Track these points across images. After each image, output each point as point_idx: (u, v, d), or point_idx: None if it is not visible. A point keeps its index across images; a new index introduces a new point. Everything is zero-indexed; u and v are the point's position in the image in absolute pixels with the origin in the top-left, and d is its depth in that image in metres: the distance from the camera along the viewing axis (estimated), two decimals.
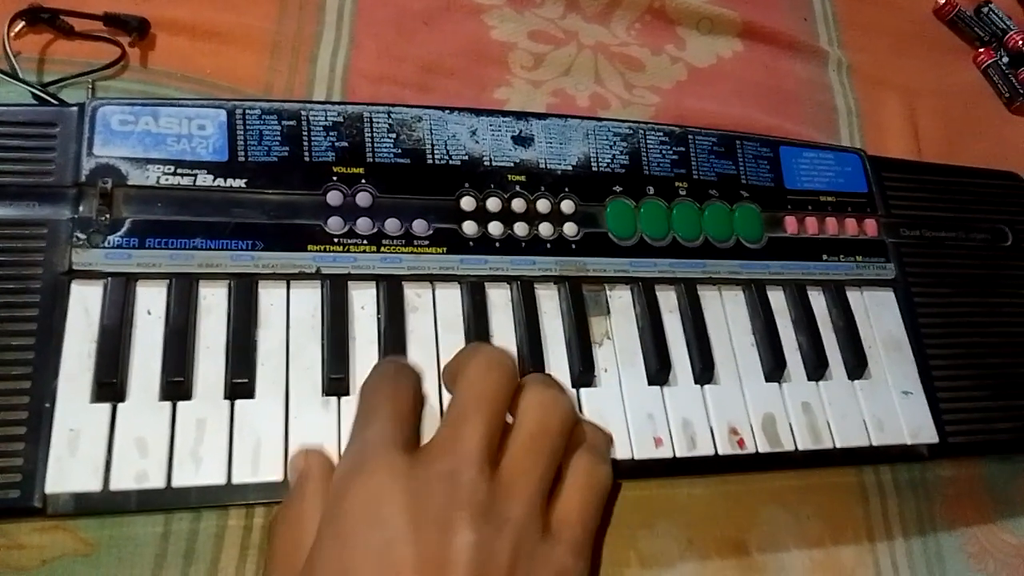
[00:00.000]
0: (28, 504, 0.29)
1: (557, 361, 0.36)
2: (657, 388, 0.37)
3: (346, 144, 0.37)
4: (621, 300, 0.39)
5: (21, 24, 0.40)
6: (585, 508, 0.28)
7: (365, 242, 0.36)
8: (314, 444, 0.32)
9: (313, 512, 0.27)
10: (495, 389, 0.28)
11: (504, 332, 0.36)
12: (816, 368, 0.39)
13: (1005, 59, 0.59)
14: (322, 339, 0.34)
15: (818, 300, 0.41)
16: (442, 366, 0.34)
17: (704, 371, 0.38)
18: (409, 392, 0.30)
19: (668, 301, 0.39)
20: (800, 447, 0.37)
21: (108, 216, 0.33)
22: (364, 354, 0.34)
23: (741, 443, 0.37)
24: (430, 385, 0.34)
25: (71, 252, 0.32)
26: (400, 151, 0.38)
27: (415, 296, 0.36)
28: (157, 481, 0.30)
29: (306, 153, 0.36)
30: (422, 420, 0.31)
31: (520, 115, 0.41)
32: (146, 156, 0.34)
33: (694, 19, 0.53)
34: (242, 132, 0.36)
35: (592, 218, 0.39)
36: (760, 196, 0.43)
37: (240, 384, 0.32)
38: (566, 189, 0.39)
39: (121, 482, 0.29)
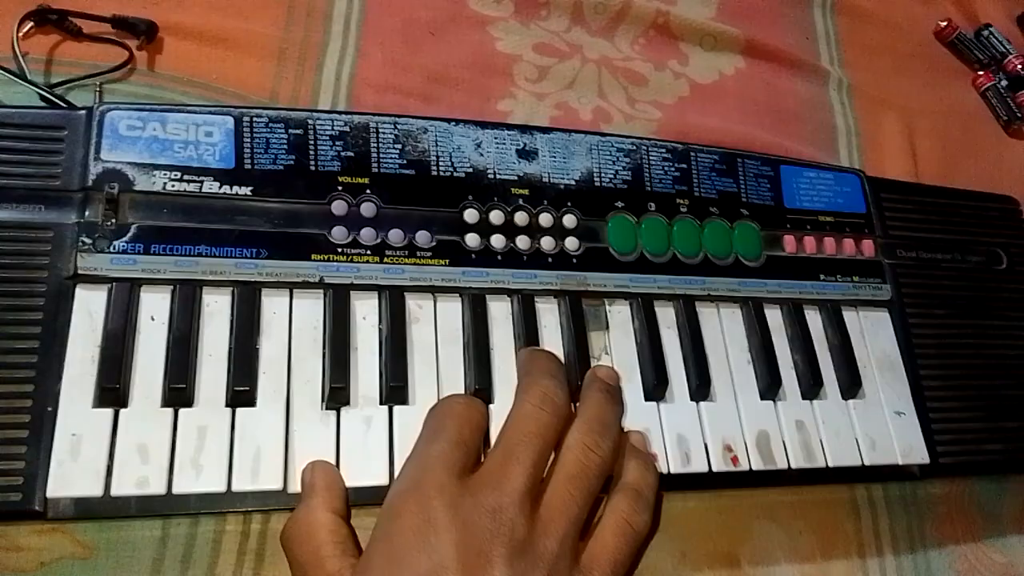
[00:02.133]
0: (29, 507, 0.29)
1: None
2: (653, 404, 0.37)
3: (352, 154, 0.37)
4: (620, 315, 0.39)
5: (30, 25, 0.40)
6: (617, 551, 0.30)
7: (368, 252, 0.36)
8: (318, 454, 0.32)
9: (323, 520, 0.29)
10: (546, 427, 0.30)
11: (504, 345, 0.36)
12: (811, 387, 0.40)
13: (1004, 82, 0.60)
14: (324, 348, 0.34)
15: (814, 319, 0.42)
16: (441, 378, 0.35)
17: (700, 388, 0.38)
18: (477, 423, 0.31)
19: (667, 317, 0.39)
20: (793, 465, 0.38)
21: (114, 221, 0.33)
22: (365, 364, 0.34)
23: (735, 460, 0.37)
24: (429, 396, 0.34)
25: (76, 256, 0.32)
26: (405, 162, 0.38)
27: (417, 307, 0.36)
28: (158, 487, 0.30)
29: (312, 162, 0.37)
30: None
31: (524, 129, 0.41)
32: (153, 162, 0.35)
33: (697, 35, 0.54)
34: (249, 140, 0.36)
35: (593, 233, 0.40)
36: (760, 214, 0.43)
37: (241, 392, 0.32)
38: (568, 203, 0.40)
39: (122, 488, 0.30)
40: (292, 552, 0.30)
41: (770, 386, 0.39)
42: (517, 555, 0.27)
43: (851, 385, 0.40)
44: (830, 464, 0.38)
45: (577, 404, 0.34)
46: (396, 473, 0.32)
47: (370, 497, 0.32)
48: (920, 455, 0.40)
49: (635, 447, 0.34)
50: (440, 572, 0.26)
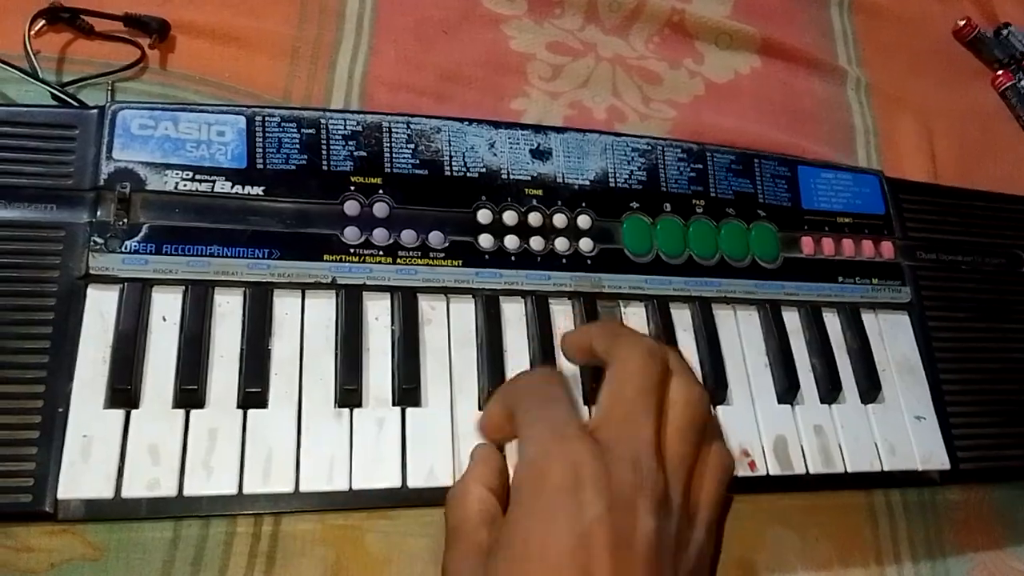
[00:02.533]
0: (40, 509, 0.29)
1: (570, 377, 0.36)
2: None
3: (364, 154, 0.37)
4: (635, 317, 0.38)
5: (42, 23, 0.40)
6: (718, 491, 0.31)
7: (381, 253, 0.36)
8: (329, 457, 0.32)
9: (474, 493, 0.30)
10: (660, 379, 0.30)
11: (518, 347, 0.36)
12: (829, 391, 0.39)
13: (1023, 82, 0.59)
14: (336, 350, 0.34)
15: (833, 322, 0.41)
16: (454, 380, 0.34)
17: (717, 391, 0.37)
18: (569, 386, 0.32)
19: (682, 319, 0.39)
20: (811, 470, 0.37)
21: (126, 221, 0.33)
22: (377, 366, 0.34)
23: (752, 465, 0.36)
24: (442, 398, 0.34)
25: (88, 256, 0.32)
26: (418, 162, 0.38)
27: (429, 308, 0.36)
28: (169, 489, 0.30)
29: (324, 162, 0.36)
30: None
31: (538, 128, 0.40)
32: (165, 161, 0.34)
33: (713, 34, 0.53)
34: (261, 139, 0.36)
35: (608, 234, 0.39)
36: (777, 216, 0.42)
37: (253, 393, 0.32)
38: (583, 204, 0.39)
39: (133, 490, 0.29)
40: (447, 517, 0.31)
41: (788, 390, 0.38)
42: (659, 505, 0.28)
43: (870, 389, 0.40)
44: (849, 469, 0.38)
45: None
46: (408, 475, 0.32)
47: (383, 500, 0.32)
48: (940, 461, 0.39)
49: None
50: (591, 525, 0.26)
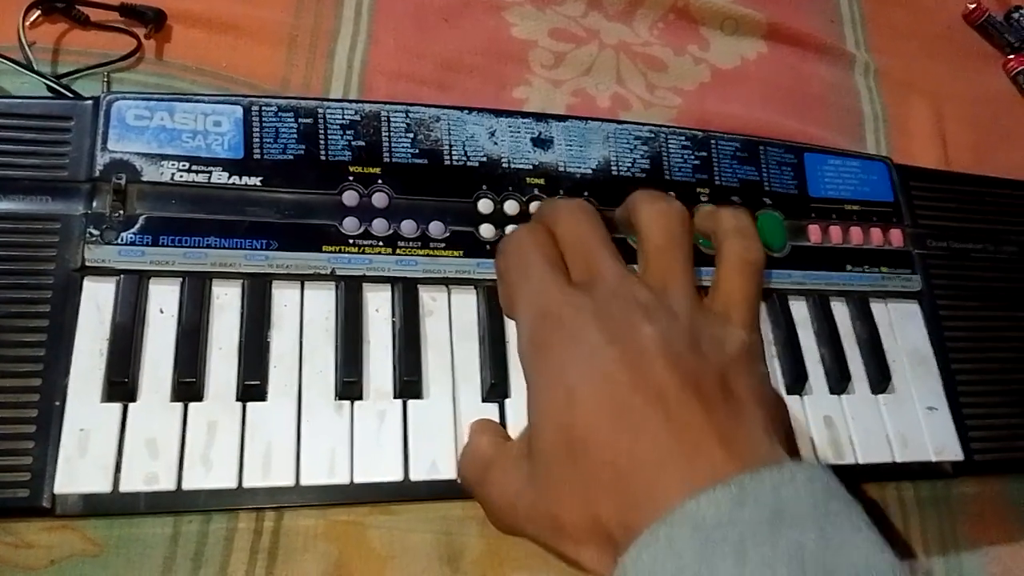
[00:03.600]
0: (37, 504, 0.28)
1: None
2: None
3: (363, 143, 0.36)
4: None
5: (36, 13, 0.39)
6: (746, 286, 0.31)
7: (381, 244, 0.35)
8: (330, 450, 0.31)
9: (476, 440, 0.32)
10: (593, 217, 0.32)
11: None
12: (839, 381, 0.38)
13: None
14: (336, 342, 0.33)
15: (841, 311, 0.40)
16: (456, 371, 0.34)
17: None
18: (549, 237, 0.32)
19: None
20: (821, 462, 0.36)
21: (122, 212, 0.33)
22: (378, 358, 0.33)
23: None
24: (443, 390, 0.34)
25: (84, 248, 0.32)
26: (418, 151, 0.37)
27: (430, 300, 0.35)
28: (167, 483, 0.29)
29: (322, 152, 0.36)
30: None
31: (540, 117, 0.40)
32: (161, 152, 0.34)
33: (718, 19, 0.52)
34: (258, 129, 0.35)
35: (612, 223, 0.38)
36: (783, 204, 0.42)
37: (252, 386, 0.31)
38: (585, 193, 0.39)
39: (131, 484, 0.29)
40: (467, 480, 0.31)
41: (796, 380, 0.38)
42: (652, 313, 0.28)
43: (881, 379, 0.39)
44: (860, 461, 0.37)
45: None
46: (410, 467, 0.32)
47: (385, 494, 0.32)
48: (954, 452, 0.39)
49: (714, 207, 0.36)
50: (598, 350, 0.27)
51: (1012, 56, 0.59)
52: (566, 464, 0.27)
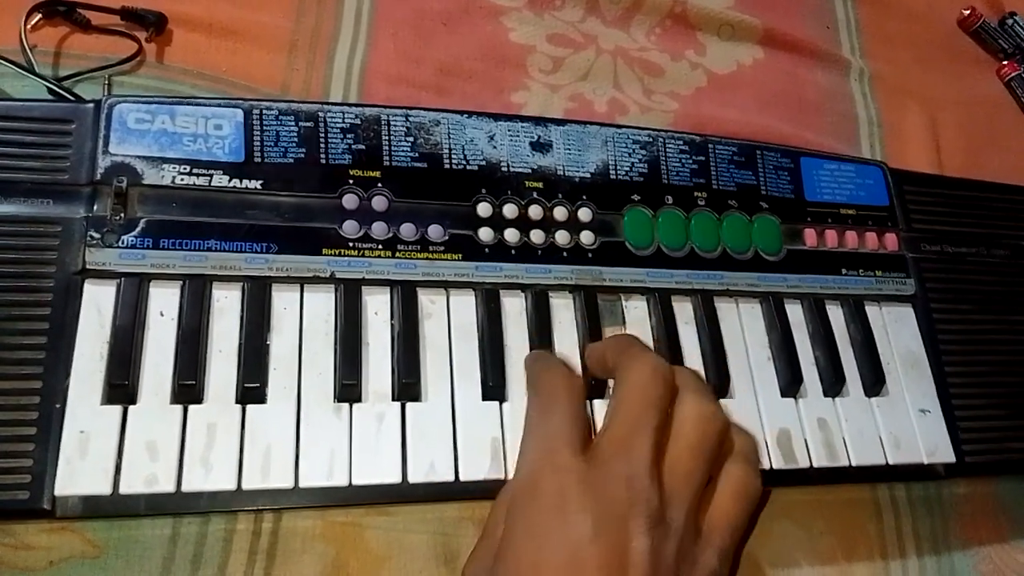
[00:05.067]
0: (37, 506, 0.28)
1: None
2: None
3: (363, 147, 0.37)
4: (637, 310, 0.38)
5: (38, 17, 0.40)
6: (736, 516, 0.30)
7: (380, 247, 0.35)
8: (328, 452, 0.31)
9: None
10: (661, 397, 0.30)
11: (518, 341, 0.36)
12: (833, 384, 0.39)
13: None
14: (335, 344, 0.33)
15: (836, 314, 0.41)
16: (455, 374, 0.34)
17: (719, 385, 0.37)
18: (582, 393, 0.32)
19: (684, 312, 0.39)
20: (815, 464, 0.37)
21: (123, 215, 0.33)
22: (377, 360, 0.34)
23: None
24: (442, 393, 0.34)
25: (85, 251, 0.32)
26: (417, 155, 0.37)
27: (429, 303, 0.35)
28: (167, 485, 0.29)
29: (323, 155, 0.36)
30: None
31: (538, 121, 0.40)
32: (162, 155, 0.34)
33: (715, 25, 0.53)
34: (259, 133, 0.35)
35: (609, 227, 0.39)
36: (780, 208, 0.42)
37: (252, 389, 0.32)
38: (584, 197, 0.39)
39: (131, 486, 0.29)
40: (491, 512, 0.31)
41: (791, 383, 0.38)
42: (654, 524, 0.27)
43: (874, 382, 0.39)
44: (853, 463, 0.37)
45: None
46: (409, 470, 0.32)
47: (383, 496, 0.32)
48: (945, 454, 0.39)
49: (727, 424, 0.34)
50: (582, 546, 0.26)
51: (1006, 62, 0.59)
52: None
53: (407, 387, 0.33)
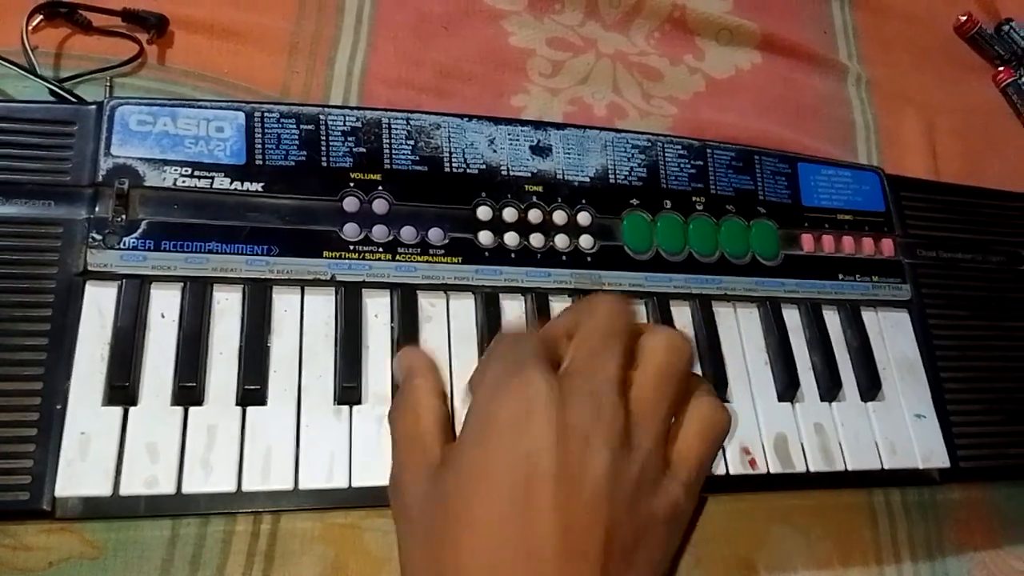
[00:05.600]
0: (37, 507, 0.29)
1: None
2: None
3: (364, 150, 0.37)
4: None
5: (39, 18, 0.40)
6: (703, 449, 0.29)
7: (380, 250, 0.35)
8: (329, 454, 0.32)
9: (426, 402, 0.30)
10: (626, 325, 0.30)
11: None
12: (830, 389, 0.39)
13: None
14: (335, 347, 0.34)
15: (833, 319, 0.41)
16: (455, 376, 0.34)
17: (717, 389, 0.37)
18: (559, 328, 0.31)
19: (683, 317, 0.39)
20: (812, 468, 0.37)
21: (124, 217, 0.33)
22: (377, 363, 0.34)
23: (753, 463, 0.36)
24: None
25: (86, 253, 0.32)
26: (418, 158, 0.38)
27: (429, 305, 0.36)
28: (167, 487, 0.30)
29: (324, 158, 0.36)
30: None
31: (538, 125, 0.40)
32: (163, 157, 0.34)
33: (713, 30, 0.53)
34: (260, 135, 0.36)
35: (608, 231, 0.39)
36: (777, 213, 0.42)
37: (252, 391, 0.32)
38: (583, 201, 0.39)
39: (131, 487, 0.29)
40: (396, 429, 0.30)
41: (788, 387, 0.38)
42: (618, 443, 0.26)
43: (870, 387, 0.40)
44: (849, 467, 0.38)
45: None
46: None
47: (382, 498, 0.32)
48: (940, 459, 0.39)
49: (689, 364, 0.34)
50: (538, 455, 0.26)
51: (1002, 68, 0.60)
52: (444, 523, 0.26)
53: None
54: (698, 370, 0.37)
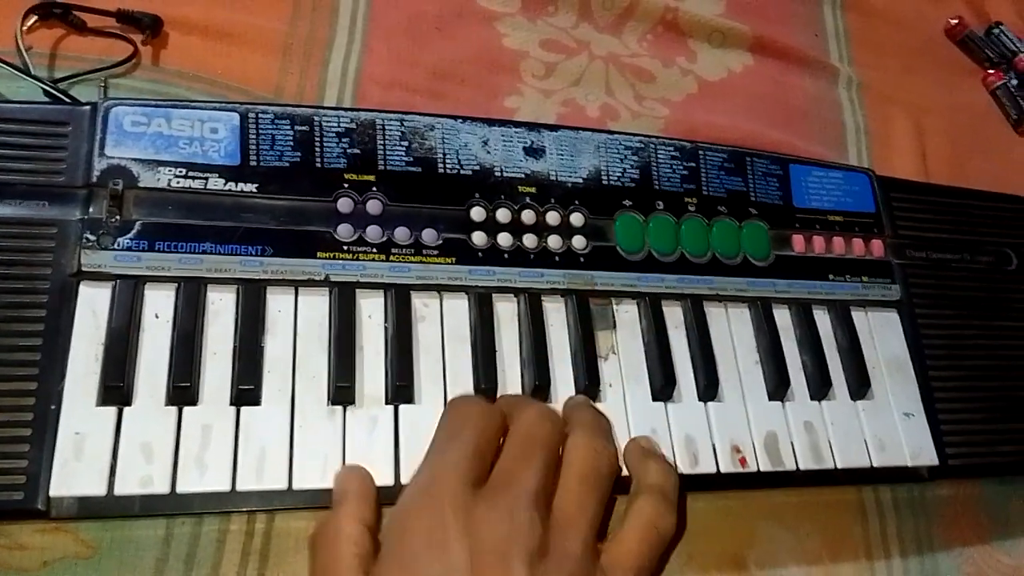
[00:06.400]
0: (31, 506, 0.29)
1: (563, 374, 0.36)
2: (661, 404, 0.37)
3: (358, 151, 0.37)
4: (628, 315, 0.39)
5: (34, 19, 0.40)
6: (641, 555, 0.29)
7: (374, 250, 0.36)
8: (323, 454, 0.32)
9: (348, 531, 0.28)
10: (548, 435, 0.30)
11: (511, 344, 0.36)
12: (819, 388, 0.39)
13: (1014, 81, 0.59)
14: (329, 347, 0.34)
15: (823, 319, 0.41)
16: (448, 377, 0.35)
17: (708, 388, 0.38)
18: (494, 432, 0.30)
19: (674, 317, 0.39)
20: (802, 466, 0.37)
21: (118, 218, 0.33)
22: (371, 363, 0.34)
23: (743, 461, 0.37)
24: (435, 395, 0.34)
25: (80, 253, 0.32)
26: (412, 159, 0.38)
27: (423, 306, 0.36)
28: (162, 487, 0.30)
29: (318, 159, 0.36)
30: None
31: (532, 126, 0.41)
32: (158, 158, 0.34)
33: (705, 32, 0.53)
34: (254, 136, 0.36)
35: (601, 232, 0.39)
36: (768, 214, 0.43)
37: (246, 391, 0.32)
38: (576, 202, 0.39)
39: (126, 487, 0.29)
40: (315, 557, 0.29)
41: (778, 387, 0.39)
42: (536, 556, 0.26)
43: (860, 386, 0.40)
44: (839, 465, 0.38)
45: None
46: (402, 473, 0.32)
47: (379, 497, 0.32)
48: (929, 457, 0.40)
49: (651, 449, 0.34)
50: (454, 572, 0.26)
51: (992, 71, 0.60)
52: None
53: (400, 390, 0.33)
54: (688, 373, 0.38)
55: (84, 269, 0.32)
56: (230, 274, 0.33)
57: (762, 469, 0.37)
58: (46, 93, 0.37)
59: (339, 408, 0.33)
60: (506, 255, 0.37)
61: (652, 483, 0.31)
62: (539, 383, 0.35)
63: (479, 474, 0.29)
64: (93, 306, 0.32)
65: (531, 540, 0.27)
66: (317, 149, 0.36)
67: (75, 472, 0.29)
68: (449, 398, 0.34)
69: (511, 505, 0.27)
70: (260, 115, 0.36)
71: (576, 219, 0.39)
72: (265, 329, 0.33)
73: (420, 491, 0.29)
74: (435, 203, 0.37)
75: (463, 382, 0.35)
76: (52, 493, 0.29)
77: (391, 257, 0.36)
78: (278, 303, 0.34)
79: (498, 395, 0.35)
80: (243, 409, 0.32)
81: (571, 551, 0.27)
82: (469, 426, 0.30)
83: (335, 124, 0.37)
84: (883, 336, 0.42)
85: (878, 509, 0.41)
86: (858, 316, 0.42)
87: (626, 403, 0.36)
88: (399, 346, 0.34)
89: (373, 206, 0.36)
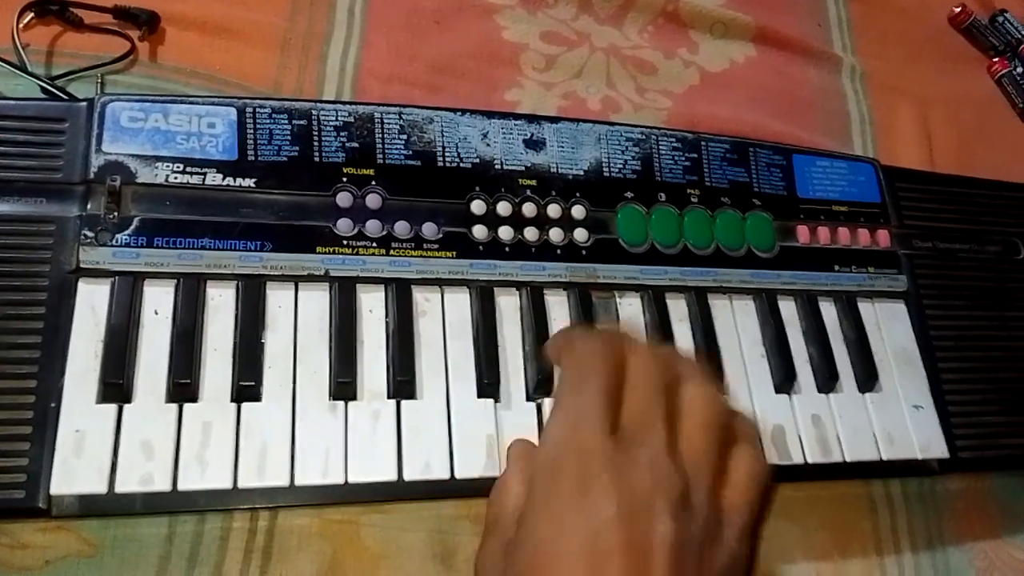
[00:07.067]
0: (32, 505, 0.28)
1: None
2: None
3: (356, 145, 0.37)
4: (631, 308, 0.38)
5: (30, 16, 0.39)
6: (752, 495, 0.30)
7: (374, 244, 0.35)
8: (324, 450, 0.32)
9: (516, 487, 0.30)
10: (669, 380, 0.30)
11: (513, 338, 0.36)
12: (827, 380, 0.39)
13: (1019, 69, 0.59)
14: (330, 342, 0.33)
15: (829, 311, 0.41)
16: (450, 371, 0.34)
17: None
18: (620, 372, 0.30)
19: (678, 309, 0.39)
20: (809, 460, 0.37)
21: (116, 214, 0.33)
22: (372, 358, 0.34)
23: None
24: (437, 390, 0.34)
25: (79, 250, 0.32)
26: (411, 153, 0.37)
27: (424, 300, 0.36)
28: (162, 484, 0.30)
29: (316, 153, 0.36)
30: None
31: (532, 118, 0.40)
32: (155, 154, 0.34)
33: (707, 23, 0.53)
34: (252, 131, 0.35)
35: (603, 224, 0.39)
36: (772, 205, 0.42)
37: (247, 387, 0.32)
38: (577, 194, 0.39)
39: (126, 485, 0.29)
40: (487, 511, 0.31)
41: (785, 379, 0.38)
42: (679, 507, 0.27)
43: (868, 378, 0.40)
44: (847, 459, 0.37)
45: None
46: (404, 468, 0.32)
47: (379, 494, 0.32)
48: (939, 449, 0.39)
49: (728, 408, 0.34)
50: (604, 530, 0.26)
51: (996, 59, 0.60)
52: None
53: (402, 385, 0.33)
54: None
55: (83, 266, 0.32)
56: (229, 270, 0.33)
57: (769, 462, 0.36)
58: (43, 90, 0.37)
59: (340, 403, 0.33)
60: (507, 248, 0.37)
61: (744, 432, 0.32)
62: (542, 377, 0.35)
63: (614, 416, 0.29)
64: (92, 303, 0.31)
65: (674, 491, 0.27)
66: (315, 143, 0.36)
67: (75, 470, 0.29)
68: (451, 393, 0.34)
69: (651, 456, 0.28)
70: (257, 109, 0.36)
71: (578, 212, 0.39)
72: (265, 325, 0.33)
73: (563, 441, 0.29)
74: (435, 197, 0.37)
75: (465, 376, 0.34)
76: (53, 491, 0.29)
77: (391, 251, 0.35)
78: (278, 299, 0.34)
79: (499, 388, 0.34)
80: (244, 405, 0.32)
81: (701, 502, 0.28)
82: (596, 370, 0.30)
83: (333, 118, 0.37)
84: (890, 327, 0.42)
85: (887, 503, 0.40)
86: (865, 307, 0.42)
87: None
88: (400, 341, 0.34)
89: (372, 200, 0.36)
